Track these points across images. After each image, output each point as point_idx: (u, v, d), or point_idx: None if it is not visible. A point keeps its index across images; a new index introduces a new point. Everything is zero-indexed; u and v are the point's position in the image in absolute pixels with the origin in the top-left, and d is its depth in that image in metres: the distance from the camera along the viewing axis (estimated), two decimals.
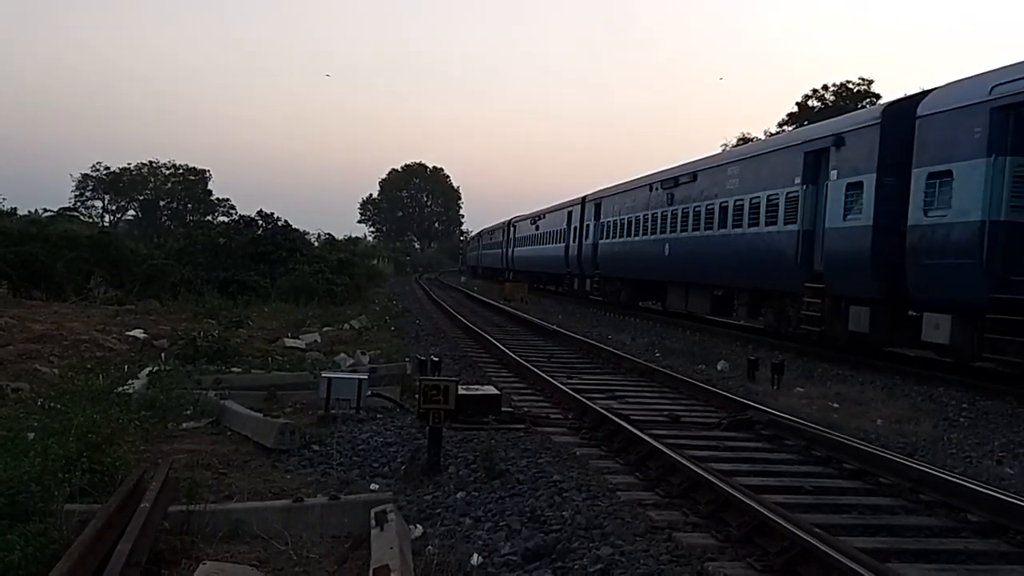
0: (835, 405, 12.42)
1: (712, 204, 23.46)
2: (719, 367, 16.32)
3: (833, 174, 17.46)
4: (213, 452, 8.22)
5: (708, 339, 22.04)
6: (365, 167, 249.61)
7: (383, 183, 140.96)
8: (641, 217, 30.23)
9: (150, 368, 11.68)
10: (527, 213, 56.87)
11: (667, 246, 27.07)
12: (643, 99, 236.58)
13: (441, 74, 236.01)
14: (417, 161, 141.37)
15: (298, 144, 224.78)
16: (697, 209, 24.67)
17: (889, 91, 54.96)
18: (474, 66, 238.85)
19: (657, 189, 28.65)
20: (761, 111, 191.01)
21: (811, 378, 15.31)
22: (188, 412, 9.67)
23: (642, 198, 30.54)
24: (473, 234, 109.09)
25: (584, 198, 40.11)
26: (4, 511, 5.40)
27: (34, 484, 5.64)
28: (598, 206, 36.98)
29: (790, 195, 19.13)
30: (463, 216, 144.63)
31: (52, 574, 4.31)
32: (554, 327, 22.56)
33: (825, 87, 54.69)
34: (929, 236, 14.34)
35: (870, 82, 53.48)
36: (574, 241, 40.53)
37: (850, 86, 53.64)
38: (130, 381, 10.57)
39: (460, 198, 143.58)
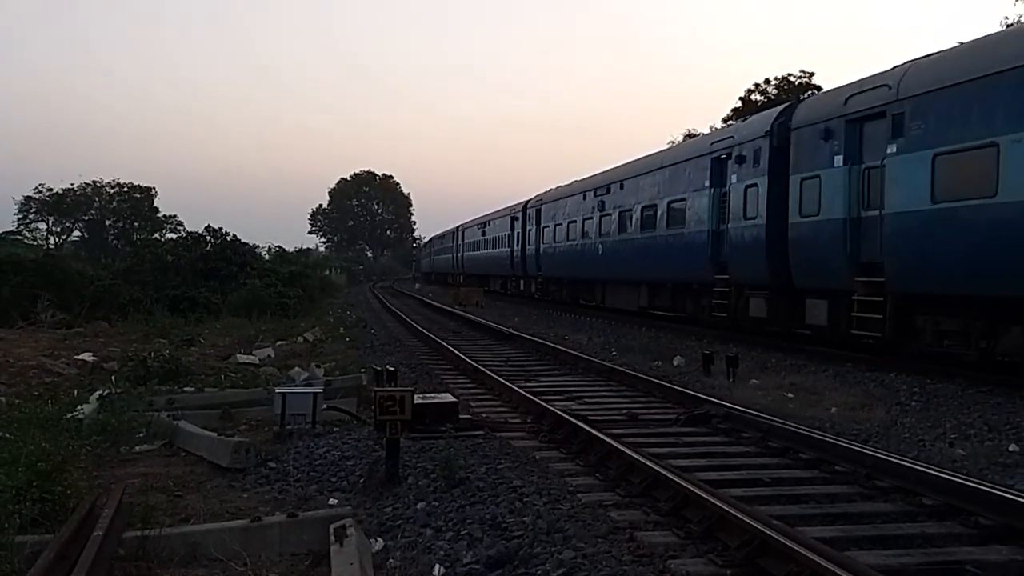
0: (790, 395, 12.56)
1: None
2: (675, 363, 16.44)
3: None
4: (167, 474, 8.08)
5: (664, 336, 22.18)
6: (314, 177, 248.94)
7: (332, 193, 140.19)
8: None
9: (100, 392, 11.44)
10: (563, 184, 37.54)
11: None
12: (586, 100, 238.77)
13: (386, 82, 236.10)
14: (366, 169, 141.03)
15: (245, 157, 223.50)
16: None
17: (829, 83, 55.50)
18: (417, 73, 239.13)
19: None
20: (704, 108, 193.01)
21: (765, 369, 15.47)
22: (141, 435, 9.46)
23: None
24: (429, 238, 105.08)
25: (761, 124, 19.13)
26: None
27: None
28: (795, 137, 17.24)
29: None
30: (415, 223, 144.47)
31: None
32: (511, 330, 22.55)
33: (767, 81, 55.25)
34: None
35: (811, 74, 54.19)
36: (724, 223, 20.46)
37: (791, 79, 54.26)
38: (80, 406, 10.35)
39: (411, 204, 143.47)
